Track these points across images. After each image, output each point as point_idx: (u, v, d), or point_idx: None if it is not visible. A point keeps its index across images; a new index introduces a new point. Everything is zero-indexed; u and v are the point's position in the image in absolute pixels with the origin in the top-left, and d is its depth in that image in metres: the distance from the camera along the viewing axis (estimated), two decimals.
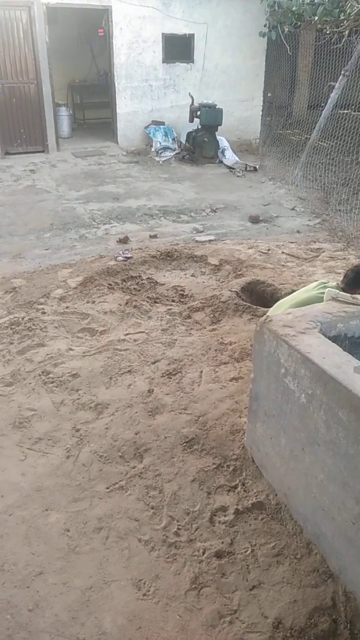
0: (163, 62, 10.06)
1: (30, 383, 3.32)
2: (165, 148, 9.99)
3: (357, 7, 7.23)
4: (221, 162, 9.74)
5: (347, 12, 7.50)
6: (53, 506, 2.48)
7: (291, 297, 3.44)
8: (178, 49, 10.07)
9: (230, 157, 9.80)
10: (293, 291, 3.65)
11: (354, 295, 2.50)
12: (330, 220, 6.78)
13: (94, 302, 4.36)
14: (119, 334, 3.87)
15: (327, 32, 8.18)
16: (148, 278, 4.81)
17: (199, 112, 9.56)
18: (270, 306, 3.72)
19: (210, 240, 5.95)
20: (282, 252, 5.56)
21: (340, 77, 7.82)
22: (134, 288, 4.64)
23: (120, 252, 5.37)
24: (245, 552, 2.25)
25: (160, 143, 10.02)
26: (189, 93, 9.84)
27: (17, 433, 2.91)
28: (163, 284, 4.72)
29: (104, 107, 11.31)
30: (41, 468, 2.69)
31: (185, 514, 2.43)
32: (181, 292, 4.57)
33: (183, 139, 10.02)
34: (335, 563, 2.10)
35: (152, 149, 10.05)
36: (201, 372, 3.41)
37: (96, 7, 9.42)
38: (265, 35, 9.70)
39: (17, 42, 8.99)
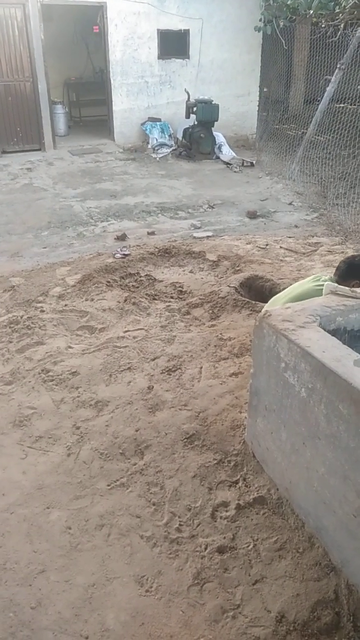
0: (158, 58, 10.03)
1: (30, 381, 3.31)
2: (162, 144, 9.97)
3: (352, 0, 7.20)
4: (218, 158, 9.72)
5: (342, 5, 7.49)
6: (54, 504, 2.48)
7: (287, 292, 3.43)
8: (173, 44, 10.03)
9: (227, 153, 9.78)
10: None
11: (352, 289, 2.49)
12: (327, 214, 6.77)
13: (92, 299, 4.36)
14: (118, 331, 3.86)
15: (323, 25, 8.16)
16: (146, 275, 4.80)
17: (195, 108, 9.54)
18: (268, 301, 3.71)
19: (208, 236, 5.94)
20: (280, 247, 5.55)
21: (336, 70, 7.79)
22: (133, 285, 4.63)
23: (118, 250, 5.36)
24: (248, 547, 2.25)
25: (156, 140, 10.00)
26: (185, 89, 9.82)
27: (18, 431, 2.91)
28: (161, 281, 4.71)
29: (100, 105, 11.28)
30: (42, 466, 2.68)
31: (187, 509, 2.43)
32: (180, 289, 4.56)
33: (180, 135, 10.00)
34: (337, 556, 2.10)
35: (149, 146, 10.03)
36: (201, 368, 3.41)
37: (91, 4, 9.40)
38: (261, 30, 9.67)
39: (12, 40, 8.96)
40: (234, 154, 9.80)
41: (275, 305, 3.46)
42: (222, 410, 2.97)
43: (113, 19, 9.42)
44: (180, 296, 4.46)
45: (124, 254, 5.24)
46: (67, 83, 11.97)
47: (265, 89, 11.00)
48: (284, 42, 9.27)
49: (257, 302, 4.19)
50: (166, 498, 2.48)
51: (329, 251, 5.49)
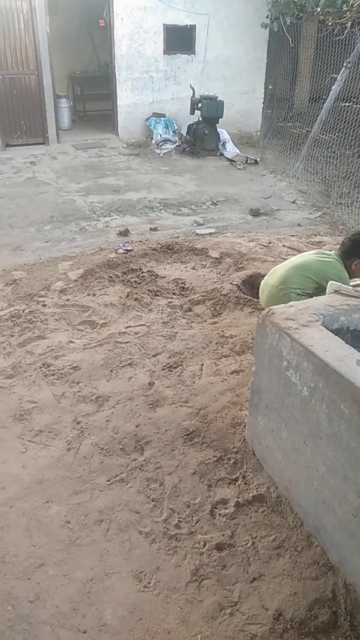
0: (164, 53, 9.99)
1: (30, 375, 3.31)
2: (166, 140, 9.94)
3: None
4: (222, 154, 9.69)
5: (350, 4, 7.45)
6: (54, 498, 2.48)
7: (287, 262, 3.44)
8: (179, 40, 9.99)
9: (231, 150, 9.75)
10: None
11: (356, 288, 2.49)
12: (331, 213, 6.76)
13: (94, 294, 4.35)
14: (120, 327, 3.86)
15: (329, 23, 8.12)
16: (149, 271, 4.79)
17: (199, 104, 9.50)
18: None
19: (210, 233, 5.94)
20: (283, 245, 5.54)
21: (342, 69, 7.77)
22: (135, 281, 4.63)
23: (121, 245, 5.35)
24: (246, 544, 2.25)
25: (160, 135, 9.98)
26: (190, 85, 9.78)
27: (18, 425, 2.91)
28: (164, 277, 4.71)
29: (104, 99, 11.24)
30: (42, 460, 2.69)
31: (186, 506, 2.43)
32: (182, 285, 4.56)
33: (184, 131, 9.97)
34: (335, 555, 2.10)
35: (153, 141, 10.00)
36: (202, 365, 3.40)
37: None
38: (267, 27, 9.63)
39: (17, 33, 8.93)
40: (238, 151, 9.78)
41: (275, 275, 3.49)
42: (223, 408, 2.97)
43: (119, 13, 9.38)
44: (182, 293, 4.45)
45: (126, 250, 5.23)
46: (71, 77, 11.93)
47: (270, 86, 10.98)
48: (290, 39, 9.24)
49: (259, 300, 4.18)
50: (165, 494, 2.49)
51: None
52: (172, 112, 10.34)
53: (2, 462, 2.67)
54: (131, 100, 10.15)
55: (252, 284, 4.55)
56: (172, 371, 3.35)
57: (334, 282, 2.59)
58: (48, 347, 3.59)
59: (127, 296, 4.31)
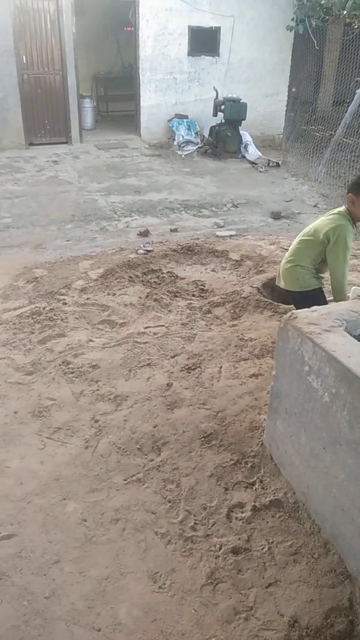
0: (188, 55, 10.01)
1: (50, 373, 3.34)
2: (188, 142, 9.95)
3: None
4: (244, 157, 9.67)
5: None
6: (71, 495, 2.49)
7: (307, 228, 3.46)
8: (204, 42, 10.00)
9: (252, 152, 9.72)
10: None
11: None
12: None
13: (114, 294, 4.37)
14: (139, 327, 3.87)
15: (356, 26, 8.08)
16: (168, 272, 4.80)
17: (223, 106, 9.50)
18: (290, 303, 3.68)
19: (231, 236, 5.92)
20: None
21: None
22: (155, 281, 4.63)
23: (141, 245, 5.36)
24: (262, 549, 2.24)
25: (183, 136, 9.99)
26: (214, 87, 9.78)
27: (37, 422, 2.93)
28: (183, 278, 4.71)
29: (127, 100, 11.29)
30: (60, 457, 2.70)
31: (202, 508, 2.42)
32: (201, 287, 4.55)
33: (206, 133, 9.96)
34: (353, 564, 2.08)
35: (175, 143, 10.02)
36: (221, 367, 3.40)
37: None
38: (292, 29, 9.60)
39: (44, 33, 9.02)
40: (260, 153, 9.75)
41: (289, 250, 3.52)
42: (241, 411, 2.96)
43: (145, 15, 9.42)
44: (202, 294, 4.45)
45: (146, 250, 5.24)
46: (95, 77, 12.01)
47: (294, 89, 10.92)
48: (315, 42, 9.19)
49: (279, 304, 4.16)
50: (182, 496, 2.48)
51: (353, 255, 5.42)
52: (195, 113, 10.35)
53: (21, 457, 2.69)
54: (154, 101, 10.18)
55: (272, 287, 4.53)
56: (190, 373, 3.35)
57: (356, 288, 2.56)
58: (68, 345, 3.61)
59: (147, 296, 4.32)
